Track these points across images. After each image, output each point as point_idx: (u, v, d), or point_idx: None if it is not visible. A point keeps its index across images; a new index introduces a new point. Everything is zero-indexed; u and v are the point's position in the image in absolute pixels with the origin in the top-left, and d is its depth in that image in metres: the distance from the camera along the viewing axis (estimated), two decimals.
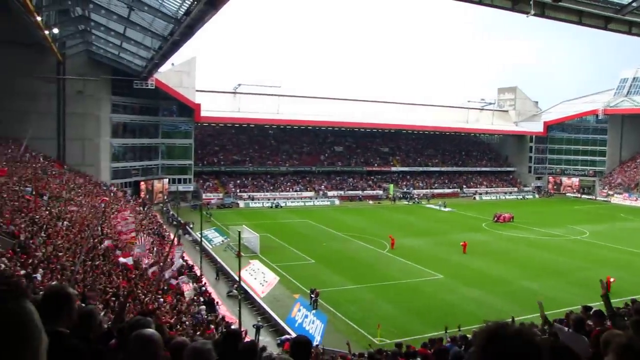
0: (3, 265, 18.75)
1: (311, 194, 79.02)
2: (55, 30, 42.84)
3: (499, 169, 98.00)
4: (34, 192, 32.35)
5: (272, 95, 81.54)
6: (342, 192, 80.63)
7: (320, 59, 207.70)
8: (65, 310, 3.25)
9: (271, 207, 71.29)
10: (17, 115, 51.82)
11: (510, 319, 14.89)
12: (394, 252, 43.77)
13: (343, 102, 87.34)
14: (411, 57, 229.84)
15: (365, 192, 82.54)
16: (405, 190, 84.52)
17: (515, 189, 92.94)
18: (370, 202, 78.63)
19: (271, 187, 78.29)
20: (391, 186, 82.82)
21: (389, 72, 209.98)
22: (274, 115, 79.74)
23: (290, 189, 79.09)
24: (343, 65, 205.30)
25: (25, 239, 23.50)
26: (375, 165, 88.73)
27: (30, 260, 21.26)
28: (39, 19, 34.94)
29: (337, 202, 76.93)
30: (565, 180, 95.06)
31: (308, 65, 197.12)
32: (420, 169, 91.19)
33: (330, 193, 79.63)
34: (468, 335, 14.68)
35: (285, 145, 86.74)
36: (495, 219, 61.81)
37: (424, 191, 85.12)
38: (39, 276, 19.62)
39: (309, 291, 30.78)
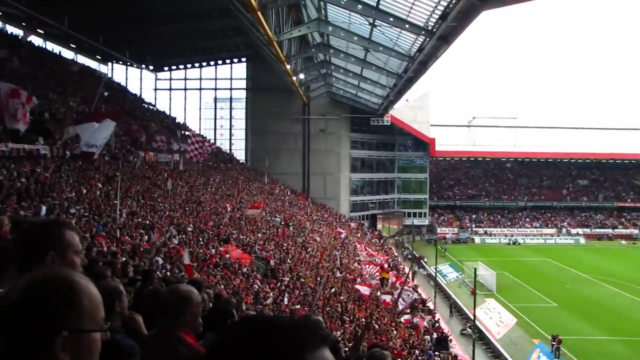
0: (256, 287, 20.83)
1: (552, 230, 73.41)
2: (302, 76, 47.20)
3: None
4: (282, 222, 35.43)
5: (508, 127, 78.62)
6: (588, 230, 73.37)
7: (559, 86, 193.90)
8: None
9: (508, 243, 67.95)
10: (271, 153, 57.87)
11: None
12: None
13: (587, 131, 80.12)
14: None
15: (615, 230, 73.84)
16: None
17: None
18: (623, 242, 70.03)
19: (508, 223, 74.70)
20: None
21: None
22: (511, 147, 76.68)
23: (529, 225, 74.53)
24: (584, 91, 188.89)
25: (274, 265, 25.80)
26: (628, 200, 78.99)
27: (278, 285, 23.24)
28: (288, 67, 38.83)
29: (582, 240, 70.22)
30: None
31: (546, 94, 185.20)
32: None
33: (574, 230, 73.07)
34: None
35: (523, 179, 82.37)
36: None
37: None
38: (285, 300, 21.31)
39: (550, 337, 28.44)
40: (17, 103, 15.73)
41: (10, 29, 43.71)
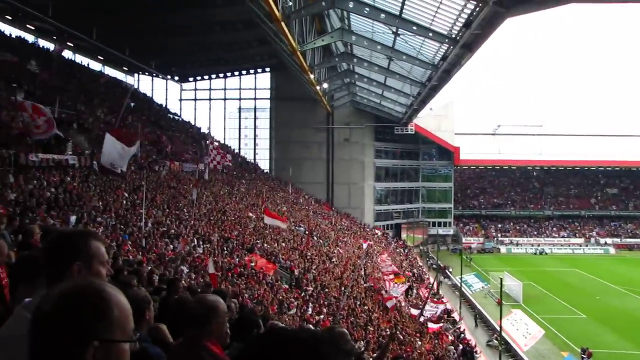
0: (281, 296, 20.81)
1: (580, 240, 72.08)
2: (325, 85, 47.34)
3: None
4: (306, 232, 35.41)
5: (533, 135, 77.68)
6: (618, 240, 71.85)
7: (585, 93, 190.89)
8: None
9: (535, 253, 66.93)
10: (295, 162, 58.09)
11: None
12: None
13: (615, 139, 78.53)
14: None
15: None
16: None
17: None
18: None
19: (535, 232, 73.65)
20: None
21: None
22: (537, 156, 75.68)
23: (557, 235, 73.34)
24: (612, 97, 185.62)
25: (299, 274, 25.78)
26: None
27: (302, 294, 23.20)
28: (312, 76, 38.98)
29: (612, 250, 68.80)
30: None
31: (572, 101, 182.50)
32: None
33: (602, 240, 71.62)
34: None
35: (550, 188, 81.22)
36: None
37: None
38: (309, 310, 21.27)
39: (579, 350, 27.85)
40: (26, 116, 16.13)
41: (42, 42, 44.91)
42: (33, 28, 43.07)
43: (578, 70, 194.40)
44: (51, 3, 37.03)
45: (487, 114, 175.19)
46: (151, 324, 3.40)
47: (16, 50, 35.70)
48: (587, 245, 70.39)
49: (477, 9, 21.88)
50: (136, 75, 61.99)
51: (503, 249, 68.71)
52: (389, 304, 27.43)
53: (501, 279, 30.79)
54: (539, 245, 69.16)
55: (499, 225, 74.87)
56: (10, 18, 40.83)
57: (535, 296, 41.69)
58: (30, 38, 43.74)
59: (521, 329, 30.79)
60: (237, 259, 22.32)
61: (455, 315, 34.73)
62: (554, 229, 74.49)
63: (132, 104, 41.52)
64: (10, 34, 40.71)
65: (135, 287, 4.94)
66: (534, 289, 43.69)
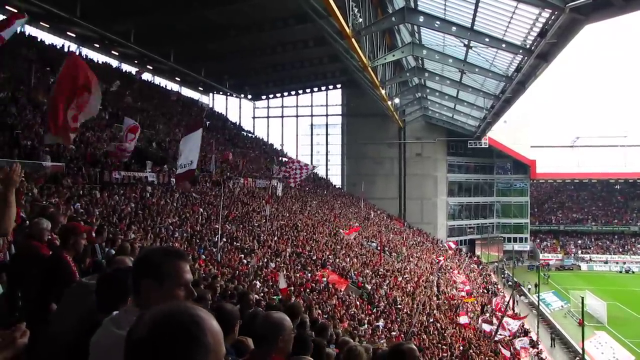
0: (352, 311, 20.80)
1: None
2: (397, 100, 47.22)
3: None
4: (378, 247, 35.25)
5: (616, 146, 74.13)
6: None
7: None
8: None
9: (620, 271, 63.33)
10: (367, 178, 58.12)
11: None
12: None
13: None
14: None
15: None
16: None
17: None
18: None
19: (620, 249, 69.75)
20: None
21: None
22: (620, 168, 72.12)
23: None
24: None
25: (371, 290, 25.68)
26: None
27: (374, 310, 23.07)
28: (383, 92, 39.00)
29: None
30: None
31: None
32: None
33: None
34: None
35: (636, 202, 76.89)
36: None
37: None
38: (380, 325, 21.15)
39: None
40: (130, 137, 16.96)
41: (125, 67, 47.52)
42: (117, 53, 45.78)
43: None
44: (133, 30, 39.20)
45: (564, 125, 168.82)
46: (235, 337, 3.52)
47: (101, 74, 37.82)
48: None
49: (553, 17, 21.22)
50: (211, 94, 64.20)
51: (584, 266, 65.50)
52: (462, 320, 26.79)
53: (582, 298, 29.35)
54: (624, 263, 65.36)
55: (579, 242, 71.57)
56: (97, 46, 43.60)
57: (622, 318, 39.37)
58: (114, 63, 46.42)
59: (607, 353, 29.20)
60: (309, 274, 22.51)
61: (533, 335, 33.44)
62: None
63: (208, 122, 42.94)
64: (98, 60, 43.34)
65: (229, 303, 5.10)
66: (620, 310, 41.30)
